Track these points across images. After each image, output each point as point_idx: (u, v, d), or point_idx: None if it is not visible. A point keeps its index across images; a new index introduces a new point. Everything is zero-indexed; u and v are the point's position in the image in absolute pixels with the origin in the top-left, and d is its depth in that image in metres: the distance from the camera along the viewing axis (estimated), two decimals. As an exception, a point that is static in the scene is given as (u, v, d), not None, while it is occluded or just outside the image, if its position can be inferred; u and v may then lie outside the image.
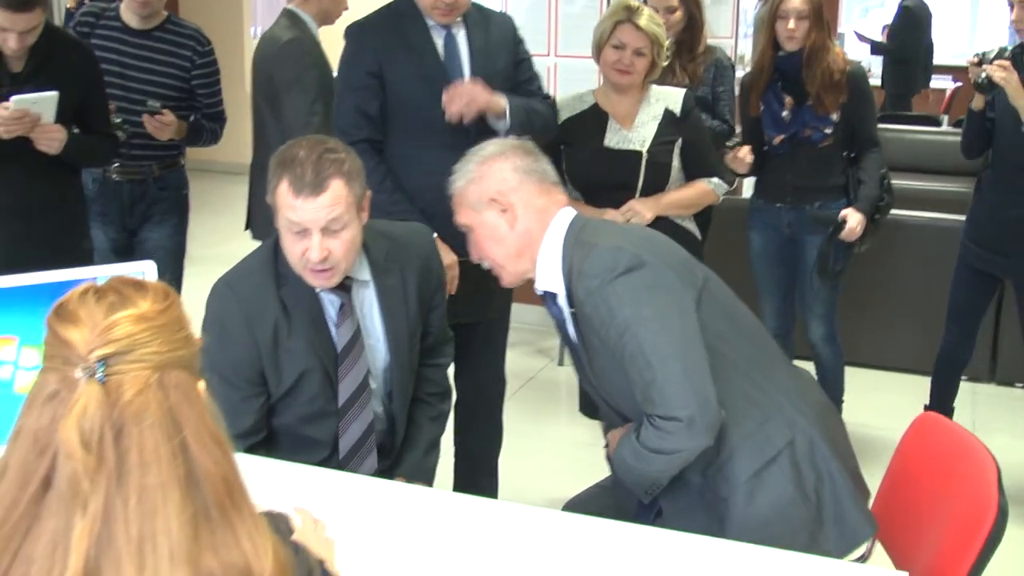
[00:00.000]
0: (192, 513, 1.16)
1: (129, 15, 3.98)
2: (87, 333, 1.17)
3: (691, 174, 3.65)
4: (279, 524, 1.33)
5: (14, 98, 3.16)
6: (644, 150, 3.55)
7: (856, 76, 4.08)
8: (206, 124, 4.17)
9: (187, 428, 1.19)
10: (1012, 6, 3.85)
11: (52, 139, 3.31)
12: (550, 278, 2.41)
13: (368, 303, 2.58)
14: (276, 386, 2.51)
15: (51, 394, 1.17)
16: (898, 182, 4.45)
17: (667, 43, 3.63)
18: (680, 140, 3.60)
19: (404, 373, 2.64)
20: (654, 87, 3.66)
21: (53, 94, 3.24)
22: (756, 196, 4.33)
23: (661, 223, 3.52)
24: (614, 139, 3.57)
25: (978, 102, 3.99)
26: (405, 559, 2.04)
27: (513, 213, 2.41)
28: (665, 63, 3.68)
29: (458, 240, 3.11)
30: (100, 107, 3.63)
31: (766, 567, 2.03)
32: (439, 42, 3.28)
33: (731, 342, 2.32)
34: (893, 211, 4.27)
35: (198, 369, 1.26)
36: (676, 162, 3.61)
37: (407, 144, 3.27)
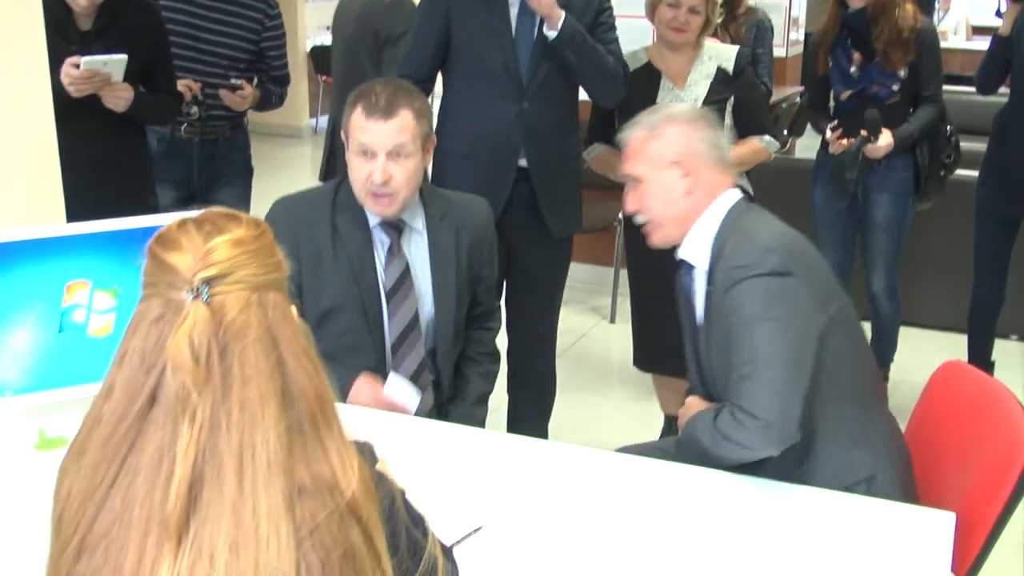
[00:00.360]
0: (287, 426, 1.24)
1: None
2: (189, 258, 1.24)
3: (743, 132, 3.68)
4: (364, 451, 1.38)
5: (85, 59, 3.25)
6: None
7: (925, 33, 4.10)
8: (273, 88, 4.24)
9: (283, 345, 1.26)
10: None
11: (119, 97, 3.41)
12: (697, 251, 2.45)
13: (419, 252, 2.67)
14: (313, 309, 2.59)
15: (157, 317, 1.25)
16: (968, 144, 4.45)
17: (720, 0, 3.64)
18: (732, 98, 3.63)
19: (448, 329, 2.71)
20: (707, 44, 3.69)
21: (123, 57, 3.33)
22: (823, 152, 4.34)
23: None
24: (667, 98, 3.59)
25: (1005, 27, 4.08)
26: (459, 497, 2.13)
27: (694, 181, 2.43)
28: (718, 20, 3.71)
29: (498, 184, 3.29)
30: (165, 67, 3.71)
31: (820, 507, 2.11)
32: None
33: (847, 369, 2.34)
34: (961, 171, 4.30)
35: (289, 294, 1.34)
36: (728, 120, 3.63)
37: (463, 91, 3.40)
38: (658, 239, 2.52)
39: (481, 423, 2.84)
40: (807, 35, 6.10)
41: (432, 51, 3.40)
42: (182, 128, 3.98)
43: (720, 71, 3.63)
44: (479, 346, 2.88)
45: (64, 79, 3.24)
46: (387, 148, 2.50)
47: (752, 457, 2.21)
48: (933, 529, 2.02)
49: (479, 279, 2.80)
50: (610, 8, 3.53)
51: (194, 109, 3.93)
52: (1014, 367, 4.65)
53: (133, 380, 1.24)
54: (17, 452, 2.29)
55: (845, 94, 4.18)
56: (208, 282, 1.23)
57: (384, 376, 2.60)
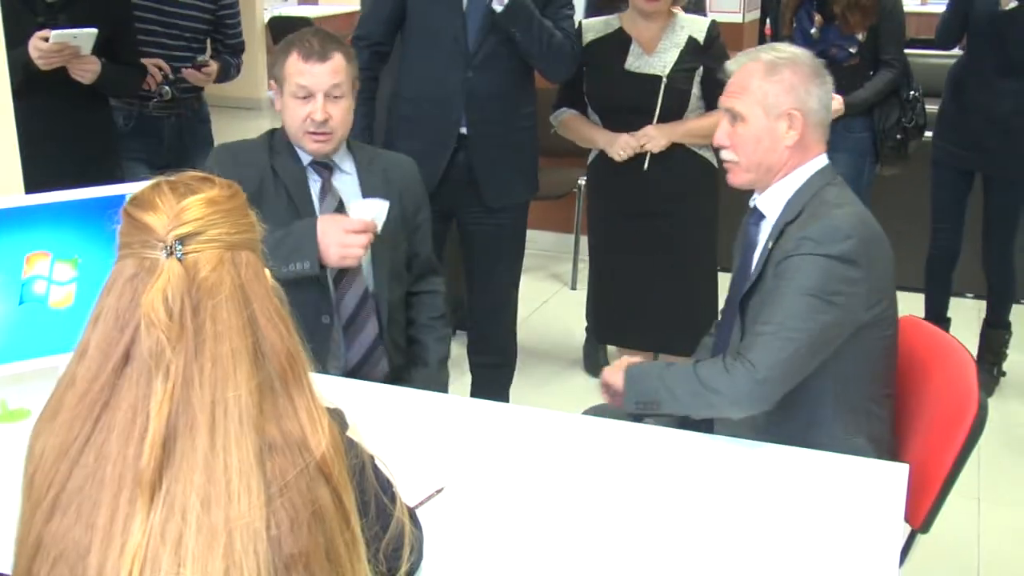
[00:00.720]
0: (258, 383, 1.26)
1: None
2: (164, 217, 1.27)
3: (711, 104, 3.63)
4: (335, 416, 1.40)
5: (54, 32, 3.26)
6: (664, 75, 3.56)
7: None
8: (231, 60, 4.25)
9: (255, 303, 1.29)
10: None
11: (86, 70, 3.42)
12: (773, 204, 2.41)
13: (350, 190, 2.75)
14: None
15: (131, 276, 1.27)
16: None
17: None
18: (701, 68, 3.62)
19: (384, 267, 2.73)
20: (680, 14, 3.67)
21: (92, 31, 3.33)
22: None
23: (678, 150, 3.59)
24: (635, 63, 3.59)
25: None
26: (421, 460, 2.16)
27: (797, 135, 2.37)
28: None
29: (438, 149, 3.38)
30: (129, 38, 3.71)
31: (774, 462, 2.15)
32: None
33: (870, 365, 2.32)
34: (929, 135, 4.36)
35: (263, 255, 1.36)
36: (696, 90, 3.62)
37: (414, 56, 3.45)
38: (738, 181, 2.47)
39: (445, 386, 2.87)
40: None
41: (387, 13, 3.44)
42: (151, 105, 3.96)
43: (691, 40, 3.60)
44: (430, 310, 2.92)
45: (33, 52, 3.26)
46: (324, 88, 2.64)
47: (720, 413, 2.27)
48: (887, 480, 2.07)
49: (415, 227, 2.86)
50: None
51: (165, 89, 3.92)
52: (968, 324, 4.72)
53: (107, 338, 1.26)
54: (-20, 425, 2.29)
55: None
56: (182, 240, 1.26)
57: (331, 308, 2.67)
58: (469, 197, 3.50)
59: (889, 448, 2.34)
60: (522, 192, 3.67)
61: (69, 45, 3.31)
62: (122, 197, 2.31)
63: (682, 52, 3.59)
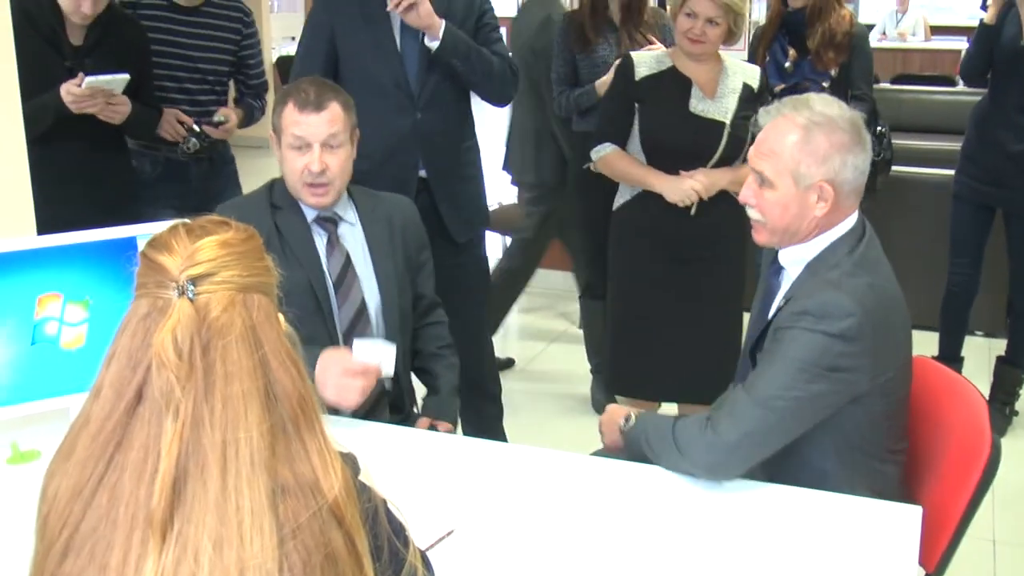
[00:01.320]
0: (270, 425, 1.27)
1: None
2: (178, 258, 1.28)
3: None
4: (347, 460, 1.39)
5: (87, 80, 3.31)
6: (727, 121, 3.49)
7: (858, 38, 4.30)
8: (254, 103, 4.19)
9: (267, 346, 1.30)
10: None
11: (117, 111, 3.47)
12: (796, 261, 2.35)
13: (356, 243, 2.73)
14: None
15: (144, 315, 1.28)
16: (914, 142, 4.55)
17: (746, 10, 3.55)
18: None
19: (393, 316, 2.72)
20: (730, 60, 3.62)
21: (125, 77, 3.38)
22: None
23: (721, 194, 3.49)
24: (699, 106, 3.51)
25: (990, 16, 4.19)
26: (430, 501, 2.15)
27: (827, 207, 2.27)
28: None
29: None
30: (149, 81, 3.73)
31: (788, 504, 2.14)
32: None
33: (874, 428, 2.26)
34: (909, 169, 4.39)
35: (276, 300, 1.37)
36: (749, 138, 3.54)
37: (357, 108, 3.38)
38: (762, 240, 2.40)
39: (455, 414, 2.86)
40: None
41: (320, 69, 3.39)
42: (178, 152, 3.89)
43: (746, 87, 3.56)
44: (437, 340, 2.93)
45: (66, 97, 3.31)
46: (321, 139, 2.60)
47: (683, 472, 2.21)
48: (900, 523, 2.05)
49: (418, 267, 2.86)
50: (491, 9, 3.56)
51: (192, 142, 3.86)
52: (979, 362, 4.71)
53: (120, 378, 1.27)
54: (-10, 466, 2.29)
55: (778, 88, 4.28)
56: (194, 280, 1.27)
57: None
58: (437, 236, 3.42)
59: (899, 499, 2.31)
60: (481, 222, 3.71)
61: (103, 90, 3.36)
62: (133, 239, 2.34)
63: (740, 98, 3.53)
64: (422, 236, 2.89)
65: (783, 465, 2.23)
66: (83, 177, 3.50)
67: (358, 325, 2.67)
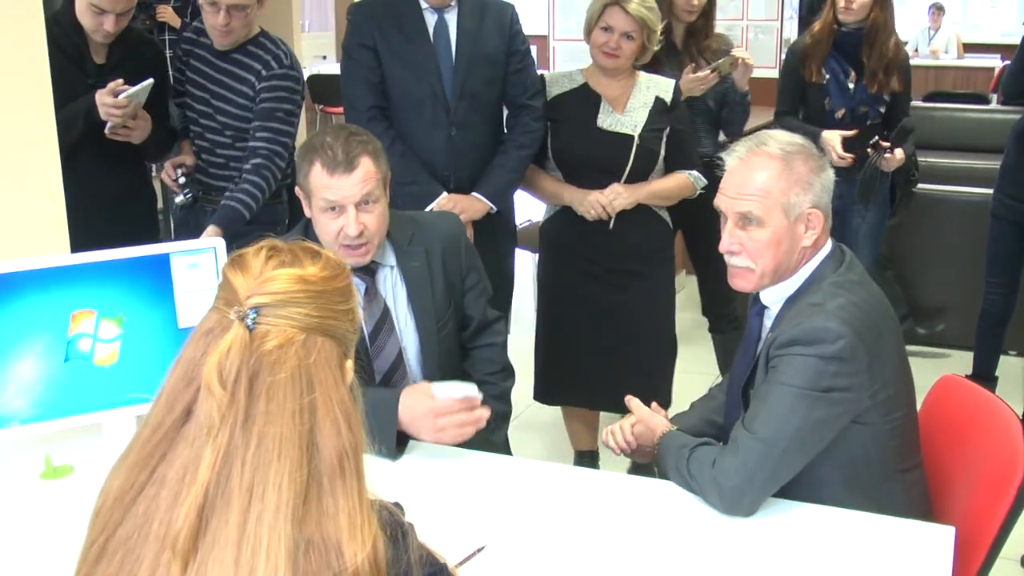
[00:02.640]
0: (306, 475, 1.22)
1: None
2: (250, 281, 1.27)
3: (672, 165, 3.64)
4: (391, 514, 1.33)
5: (124, 94, 3.34)
6: (636, 135, 3.54)
7: (906, 63, 4.29)
8: (236, 196, 3.42)
9: (319, 392, 1.26)
10: None
11: (140, 127, 3.50)
12: (778, 297, 2.32)
13: (395, 287, 2.65)
14: None
15: (207, 330, 1.28)
16: (947, 160, 4.53)
17: (659, 28, 3.58)
18: (668, 129, 3.61)
19: (433, 356, 2.68)
20: (643, 74, 3.67)
21: (149, 82, 3.41)
22: None
23: (641, 209, 3.57)
24: (607, 121, 3.56)
25: None
26: (461, 517, 2.15)
27: (816, 233, 2.24)
28: (657, 47, 3.65)
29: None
30: (165, 103, 3.75)
31: (818, 523, 2.13)
32: (430, 24, 3.42)
33: (878, 445, 2.23)
34: (942, 188, 4.37)
35: (349, 346, 1.34)
36: (662, 151, 3.61)
37: (393, 121, 3.44)
38: (750, 287, 2.32)
39: (501, 447, 2.80)
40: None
41: (377, 78, 3.41)
42: (176, 202, 3.67)
43: (659, 100, 3.60)
44: (486, 364, 2.84)
45: (102, 109, 3.33)
46: (355, 200, 2.45)
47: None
48: (933, 544, 2.03)
49: (463, 291, 2.79)
50: (521, 32, 3.57)
51: (180, 198, 3.63)
52: (1013, 382, 4.67)
53: (175, 390, 1.27)
54: (23, 480, 2.30)
55: (840, 112, 4.25)
56: (258, 308, 1.25)
57: None
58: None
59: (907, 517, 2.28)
60: (508, 239, 3.74)
61: (135, 100, 3.39)
62: (166, 256, 2.36)
63: (651, 112, 3.58)
64: (466, 258, 2.78)
65: (787, 490, 2.19)
66: (104, 196, 3.51)
67: (395, 376, 2.63)
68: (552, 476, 2.36)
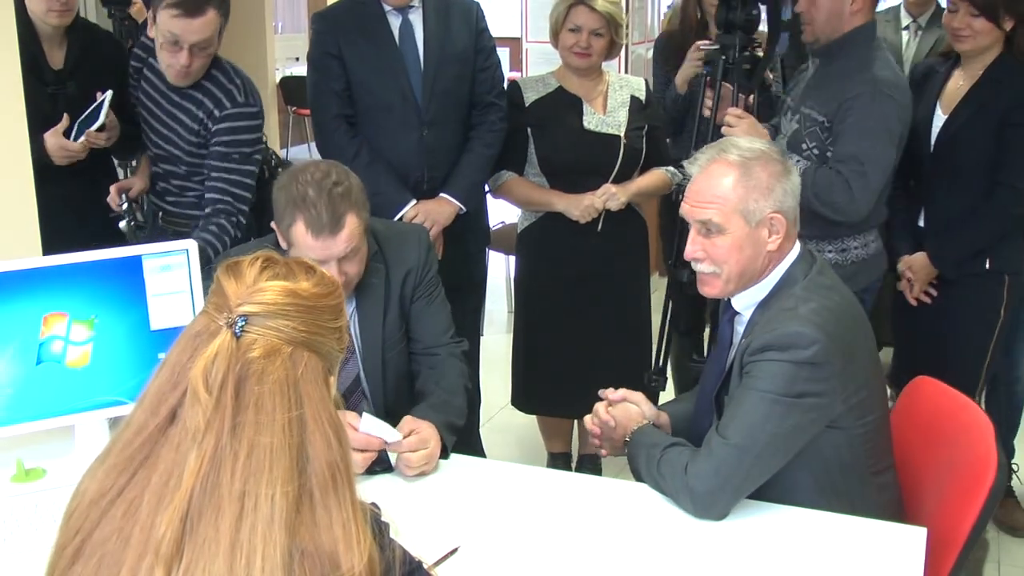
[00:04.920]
0: (298, 486, 1.23)
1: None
2: (242, 289, 1.28)
3: (651, 162, 3.67)
4: (372, 517, 1.34)
5: (82, 137, 3.22)
6: (622, 134, 3.57)
7: None
8: (203, 236, 3.11)
9: (308, 406, 1.26)
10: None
11: (106, 135, 3.34)
12: (749, 303, 2.32)
13: (346, 302, 2.54)
14: None
15: (196, 333, 1.28)
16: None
17: (624, 21, 3.60)
18: (647, 126, 3.64)
19: (377, 375, 2.63)
20: (612, 72, 3.70)
21: (108, 95, 3.23)
22: None
23: (624, 208, 3.56)
24: (592, 122, 3.58)
25: None
26: (435, 519, 2.15)
27: (779, 238, 2.24)
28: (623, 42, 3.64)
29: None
30: (128, 99, 3.49)
31: (791, 524, 2.14)
32: (395, 27, 3.40)
33: (853, 449, 2.24)
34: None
35: (334, 364, 1.34)
36: (644, 149, 3.63)
37: (363, 128, 3.42)
38: (716, 293, 2.33)
39: (476, 449, 2.79)
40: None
41: (342, 87, 3.39)
42: (164, 220, 3.45)
43: (634, 99, 3.63)
44: (438, 380, 2.66)
45: (57, 153, 3.22)
46: (339, 256, 2.39)
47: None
48: (905, 544, 2.05)
49: (413, 313, 2.70)
50: (487, 29, 3.55)
51: (129, 220, 3.47)
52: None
53: (160, 392, 1.27)
54: (-6, 484, 2.29)
55: None
56: (246, 317, 1.26)
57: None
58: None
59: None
60: (482, 239, 3.73)
61: (93, 133, 3.23)
62: (138, 259, 2.34)
63: (630, 111, 3.61)
64: (422, 274, 2.68)
65: (760, 493, 2.20)
66: (75, 205, 3.41)
67: (350, 399, 2.60)
68: (526, 478, 2.36)
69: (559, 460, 3.97)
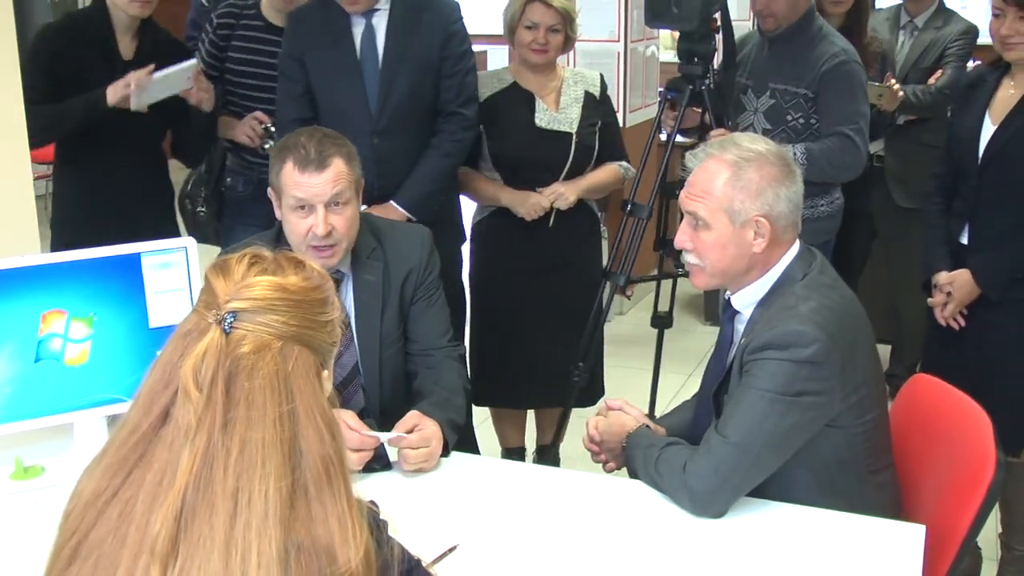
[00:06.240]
0: (291, 482, 1.23)
1: (272, 12, 3.69)
2: (230, 286, 1.28)
3: (603, 157, 3.67)
4: (369, 515, 1.34)
5: (160, 72, 3.30)
6: (574, 131, 3.56)
7: None
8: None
9: (299, 401, 1.26)
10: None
11: (208, 92, 3.47)
12: (747, 301, 2.33)
13: (345, 295, 2.60)
14: None
15: (186, 332, 1.28)
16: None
17: (578, 15, 3.59)
18: (600, 122, 3.64)
19: (373, 373, 2.63)
20: (567, 68, 3.72)
21: (192, 62, 3.39)
22: None
23: (576, 204, 3.57)
24: (544, 119, 3.57)
25: None
26: (434, 516, 2.15)
27: (765, 241, 2.25)
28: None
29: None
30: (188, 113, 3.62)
31: (790, 521, 2.14)
32: (357, 31, 3.35)
33: (852, 448, 2.24)
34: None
35: (327, 357, 1.34)
36: (596, 145, 3.63)
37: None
38: (702, 284, 2.38)
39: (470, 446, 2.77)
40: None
41: (302, 89, 3.37)
42: (259, 151, 3.67)
43: (588, 95, 3.63)
44: (435, 382, 2.65)
45: (127, 80, 3.28)
46: (325, 199, 2.43)
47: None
48: (904, 542, 2.05)
49: (412, 314, 2.70)
50: (460, 50, 3.45)
51: (270, 144, 3.56)
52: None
53: (152, 392, 1.26)
54: (-7, 482, 2.29)
55: None
56: (235, 313, 1.26)
57: None
58: None
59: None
60: (455, 240, 3.67)
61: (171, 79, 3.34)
62: (137, 256, 2.34)
63: (583, 107, 3.60)
64: (423, 275, 2.69)
65: (759, 492, 2.20)
66: (125, 189, 3.47)
67: (350, 386, 2.60)
68: (526, 476, 2.37)
69: (514, 454, 3.93)
